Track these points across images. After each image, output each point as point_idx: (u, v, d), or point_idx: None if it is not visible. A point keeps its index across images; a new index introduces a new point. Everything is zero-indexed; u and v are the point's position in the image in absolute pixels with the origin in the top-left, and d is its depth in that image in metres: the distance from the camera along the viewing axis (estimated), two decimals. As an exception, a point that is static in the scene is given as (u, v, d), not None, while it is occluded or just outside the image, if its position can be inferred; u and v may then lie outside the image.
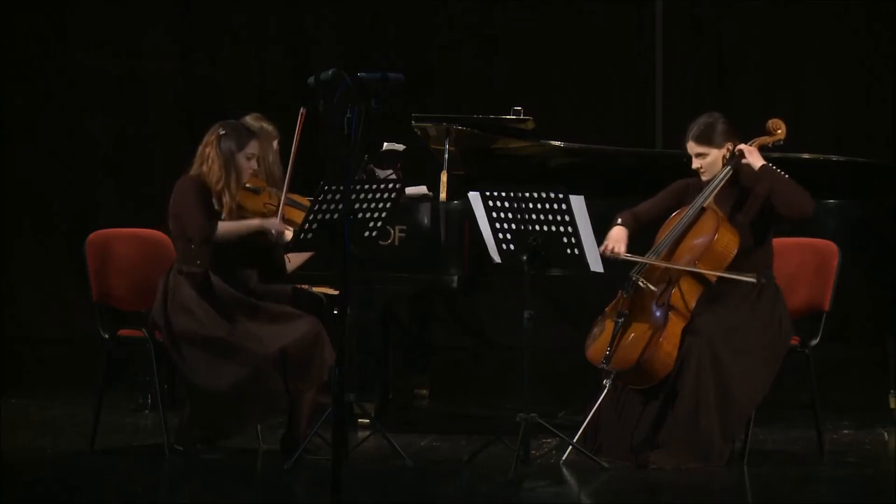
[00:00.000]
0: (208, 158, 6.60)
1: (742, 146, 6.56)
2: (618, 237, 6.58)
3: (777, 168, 6.55)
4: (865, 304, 8.38)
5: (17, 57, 11.17)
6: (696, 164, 6.61)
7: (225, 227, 6.56)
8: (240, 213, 6.66)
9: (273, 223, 6.62)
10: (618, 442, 6.48)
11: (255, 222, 6.63)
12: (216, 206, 6.59)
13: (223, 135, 6.63)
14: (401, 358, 8.40)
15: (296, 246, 6.52)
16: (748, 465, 6.43)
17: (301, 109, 6.82)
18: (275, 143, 7.41)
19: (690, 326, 6.42)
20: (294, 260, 6.91)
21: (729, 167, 6.56)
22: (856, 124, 10.81)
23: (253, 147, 6.67)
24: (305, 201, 6.76)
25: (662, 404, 6.41)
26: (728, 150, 6.57)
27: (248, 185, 6.72)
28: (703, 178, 6.61)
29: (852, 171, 7.89)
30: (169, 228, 6.68)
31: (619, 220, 6.63)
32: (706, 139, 6.58)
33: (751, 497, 6.14)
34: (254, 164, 6.70)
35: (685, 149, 6.63)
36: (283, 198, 6.69)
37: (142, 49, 11.34)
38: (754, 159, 6.52)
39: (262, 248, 6.68)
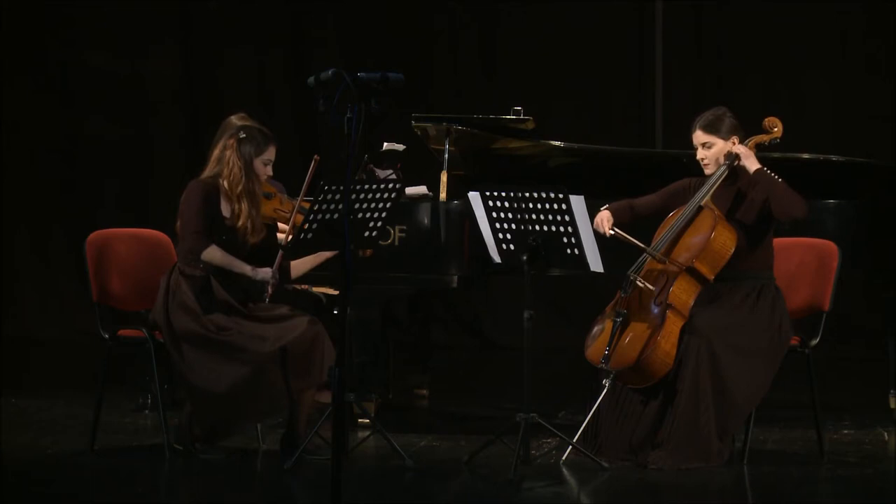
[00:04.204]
0: (229, 162, 6.51)
1: (738, 149, 6.56)
2: (602, 216, 6.57)
3: (772, 171, 6.54)
4: (865, 304, 8.38)
5: (18, 57, 11.17)
6: (700, 154, 6.61)
7: (216, 254, 6.49)
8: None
9: (264, 273, 6.51)
10: (618, 442, 6.48)
11: (246, 267, 6.52)
12: (234, 210, 6.51)
13: (243, 139, 6.53)
14: (401, 358, 8.39)
15: (295, 246, 6.50)
16: (748, 465, 6.43)
17: (314, 156, 6.69)
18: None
19: (689, 326, 6.42)
20: (299, 267, 6.81)
21: (725, 166, 6.56)
22: (856, 124, 10.80)
23: (270, 153, 6.58)
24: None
25: (662, 404, 6.41)
26: (734, 143, 6.58)
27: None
28: (707, 170, 6.61)
29: (852, 171, 7.89)
30: (175, 228, 6.62)
31: (605, 206, 6.64)
32: (713, 129, 6.58)
33: (751, 497, 6.14)
34: (269, 169, 6.60)
35: (690, 141, 6.63)
36: (297, 204, 6.57)
37: (143, 50, 11.34)
38: (750, 163, 6.53)
39: (263, 249, 6.62)
